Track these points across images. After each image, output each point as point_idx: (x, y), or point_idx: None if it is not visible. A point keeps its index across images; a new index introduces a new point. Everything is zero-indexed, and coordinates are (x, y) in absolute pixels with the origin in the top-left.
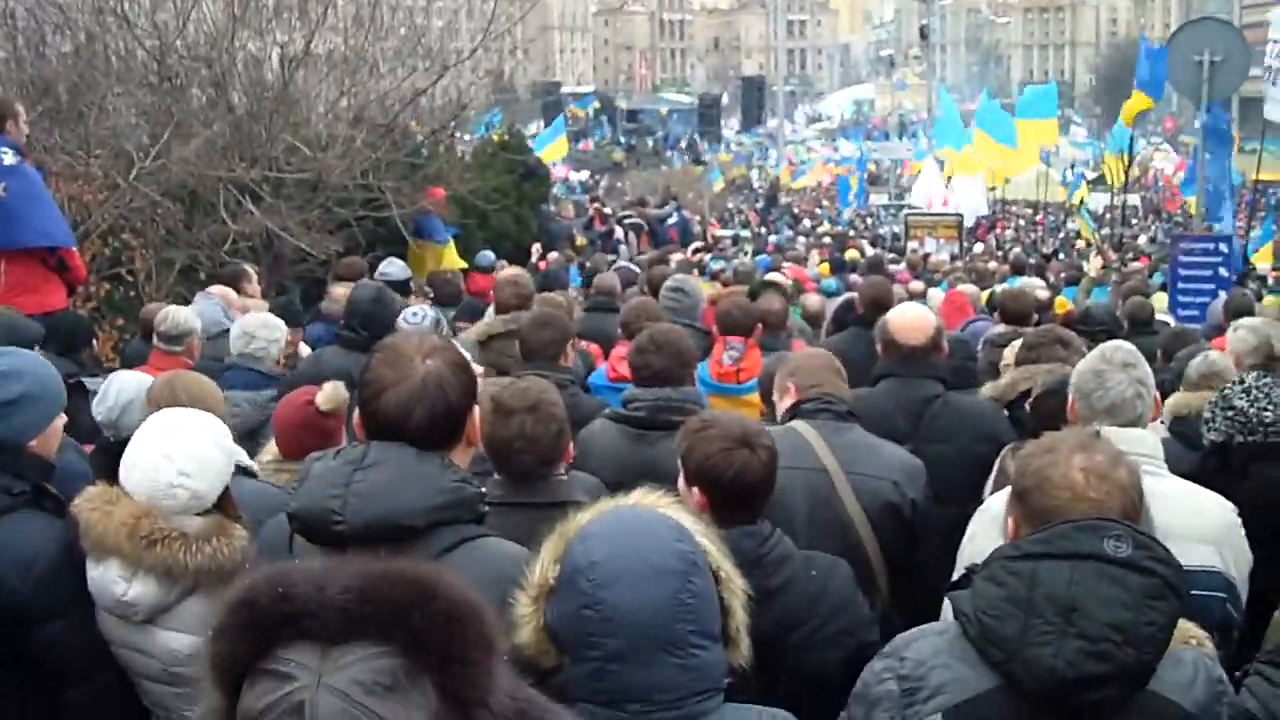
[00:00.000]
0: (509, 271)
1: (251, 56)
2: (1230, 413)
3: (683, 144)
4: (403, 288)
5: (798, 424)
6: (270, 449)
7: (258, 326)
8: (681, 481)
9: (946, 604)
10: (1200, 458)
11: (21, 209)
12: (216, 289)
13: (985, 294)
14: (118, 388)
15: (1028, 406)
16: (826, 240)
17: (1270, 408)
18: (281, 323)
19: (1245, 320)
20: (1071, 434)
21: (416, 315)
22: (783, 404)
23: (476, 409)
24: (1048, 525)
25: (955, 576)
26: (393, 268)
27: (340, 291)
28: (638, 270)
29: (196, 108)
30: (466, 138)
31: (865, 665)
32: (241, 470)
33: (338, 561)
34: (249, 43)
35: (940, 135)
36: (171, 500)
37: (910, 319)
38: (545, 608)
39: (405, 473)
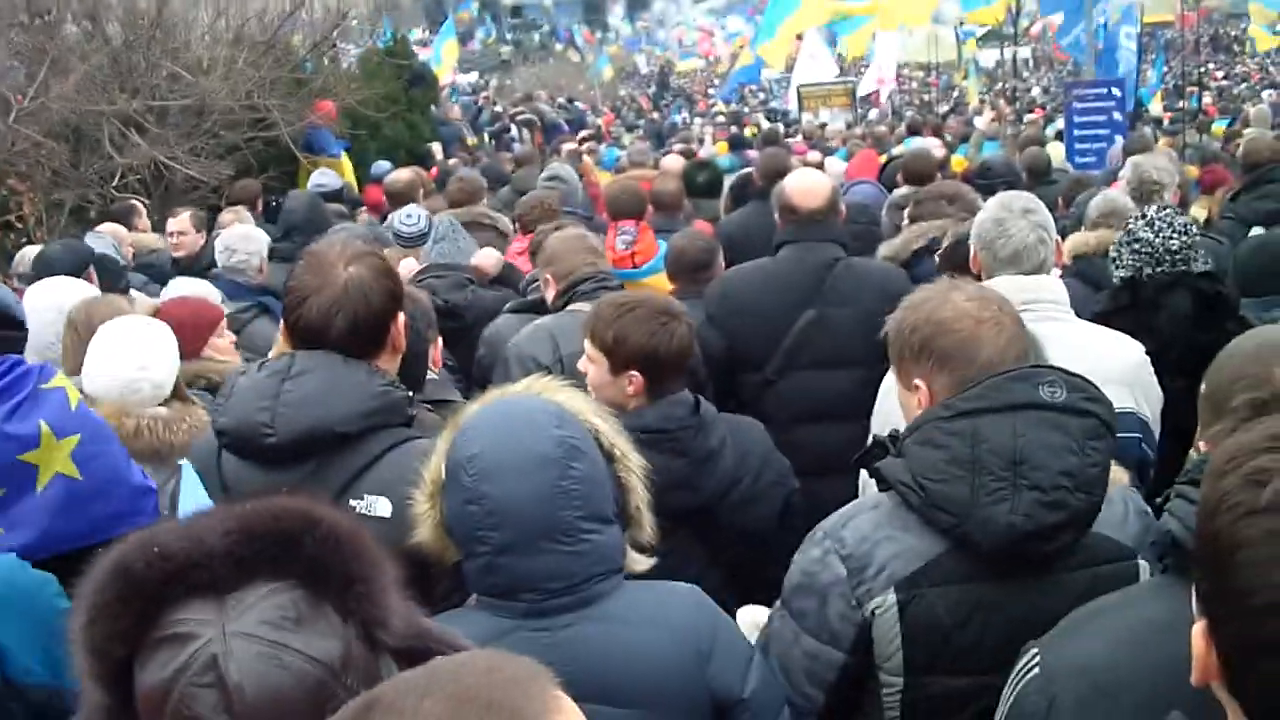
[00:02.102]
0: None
1: None
2: (1136, 245)
3: (573, 35)
4: (337, 196)
5: (579, 306)
6: None
7: (237, 240)
8: (603, 372)
9: (864, 480)
10: (1111, 294)
11: None
12: (106, 227)
13: (883, 158)
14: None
15: (937, 258)
16: (720, 120)
17: (1174, 236)
18: (260, 234)
19: (1132, 158)
20: (934, 285)
21: (411, 218)
22: (550, 295)
23: (401, 316)
24: (977, 381)
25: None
26: (327, 178)
27: (229, 218)
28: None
29: (72, 43)
30: (351, 49)
31: (789, 515)
32: None
33: (208, 512)
34: None
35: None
36: (137, 394)
37: (807, 183)
38: (440, 504)
39: (333, 380)
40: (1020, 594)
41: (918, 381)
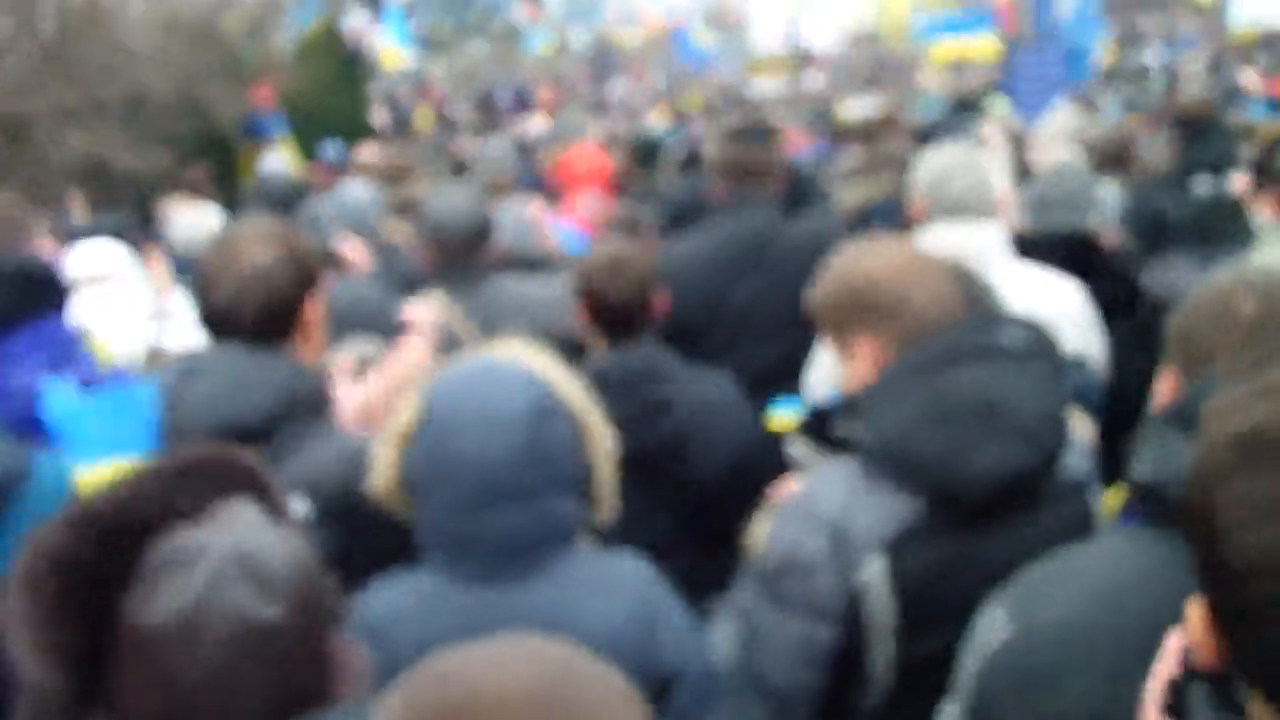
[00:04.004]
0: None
1: None
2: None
3: (510, 13)
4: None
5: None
6: None
7: (190, 225)
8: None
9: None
10: None
11: None
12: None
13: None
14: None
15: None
16: (661, 89)
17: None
18: (214, 214)
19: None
20: (848, 248)
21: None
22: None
23: (315, 301)
24: (923, 333)
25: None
26: (274, 162)
27: (170, 207)
28: None
29: (3, 37)
30: (287, 34)
31: (756, 469)
32: None
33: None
34: None
35: None
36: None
37: None
38: (402, 455)
39: (238, 374)
40: (998, 540)
41: (860, 344)
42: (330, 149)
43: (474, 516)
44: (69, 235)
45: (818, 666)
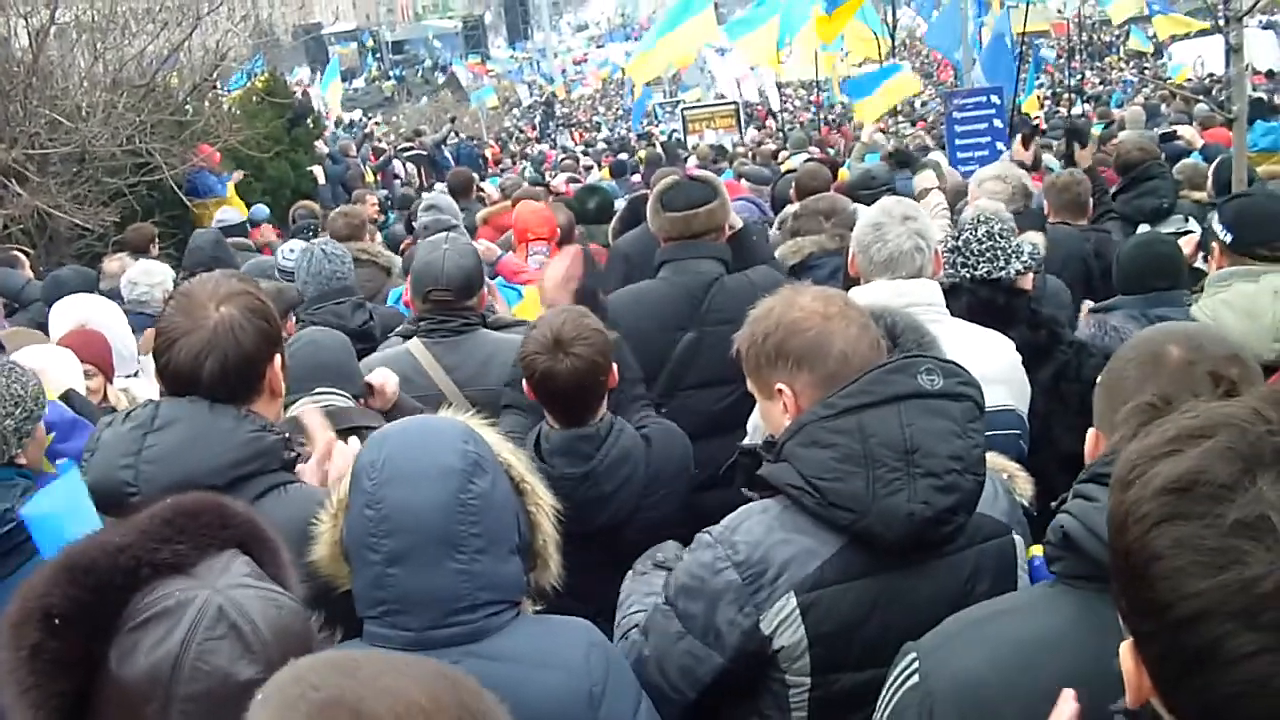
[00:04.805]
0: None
1: None
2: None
3: (453, 68)
4: (240, 230)
5: (412, 344)
6: None
7: (139, 275)
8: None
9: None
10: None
11: None
12: None
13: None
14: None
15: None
16: (602, 147)
17: (978, 239)
18: (161, 267)
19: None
20: (776, 294)
21: (293, 251)
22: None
23: (278, 358)
24: (843, 376)
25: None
26: (228, 214)
27: (113, 266)
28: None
29: None
30: (231, 90)
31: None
32: None
33: (126, 519)
34: None
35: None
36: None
37: None
38: (342, 521)
39: (199, 430)
40: (916, 580)
41: (780, 386)
42: (258, 210)
43: (409, 571)
44: (18, 292)
45: (696, 686)
